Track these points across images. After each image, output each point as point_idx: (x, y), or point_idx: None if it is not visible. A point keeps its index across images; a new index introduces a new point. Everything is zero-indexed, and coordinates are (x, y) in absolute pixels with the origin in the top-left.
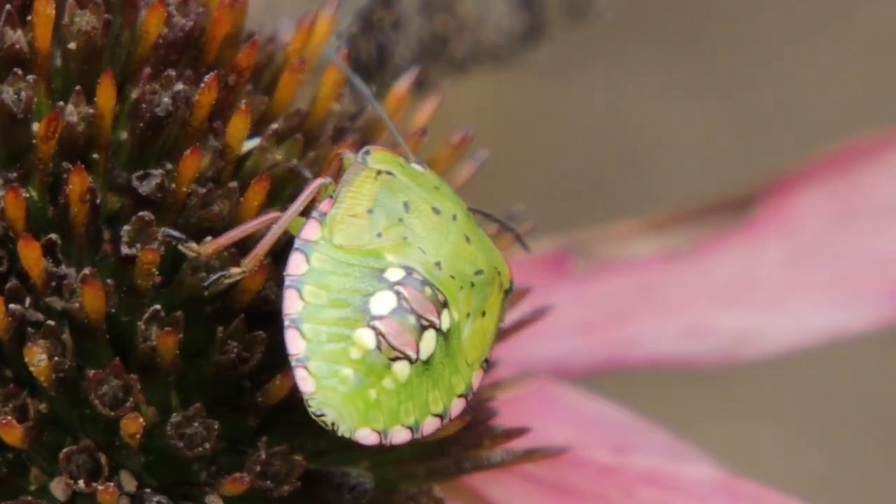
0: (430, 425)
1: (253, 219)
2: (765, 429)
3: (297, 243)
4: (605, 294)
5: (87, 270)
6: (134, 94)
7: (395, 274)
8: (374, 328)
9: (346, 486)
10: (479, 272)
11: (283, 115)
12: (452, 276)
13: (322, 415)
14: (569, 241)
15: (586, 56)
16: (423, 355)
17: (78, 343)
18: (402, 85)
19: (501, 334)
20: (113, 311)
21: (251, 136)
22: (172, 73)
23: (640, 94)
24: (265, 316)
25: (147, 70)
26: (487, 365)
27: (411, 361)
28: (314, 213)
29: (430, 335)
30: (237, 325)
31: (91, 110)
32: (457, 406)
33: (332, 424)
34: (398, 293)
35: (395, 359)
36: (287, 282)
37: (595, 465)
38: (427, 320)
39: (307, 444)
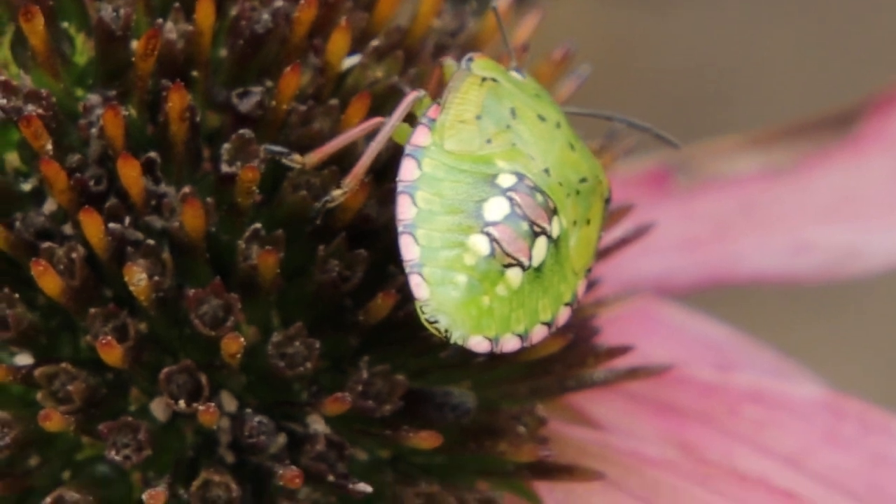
0: (538, 333)
1: (355, 126)
2: (867, 356)
3: (408, 149)
4: (707, 211)
5: (186, 189)
6: (233, 11)
7: (507, 180)
8: (488, 234)
9: (449, 406)
10: (583, 180)
11: (384, 31)
12: (560, 184)
13: (435, 321)
14: (671, 158)
15: None
16: (535, 262)
17: (178, 262)
18: (503, 1)
19: (604, 252)
20: (213, 230)
21: (351, 52)
22: None
23: (733, 19)
24: (366, 234)
25: None
26: (589, 273)
27: (524, 268)
28: (423, 119)
29: (541, 242)
30: (338, 243)
31: (190, 27)
32: (564, 314)
33: (445, 331)
34: (511, 199)
35: (509, 265)
36: (400, 187)
37: (699, 383)
38: (539, 227)
39: (409, 364)
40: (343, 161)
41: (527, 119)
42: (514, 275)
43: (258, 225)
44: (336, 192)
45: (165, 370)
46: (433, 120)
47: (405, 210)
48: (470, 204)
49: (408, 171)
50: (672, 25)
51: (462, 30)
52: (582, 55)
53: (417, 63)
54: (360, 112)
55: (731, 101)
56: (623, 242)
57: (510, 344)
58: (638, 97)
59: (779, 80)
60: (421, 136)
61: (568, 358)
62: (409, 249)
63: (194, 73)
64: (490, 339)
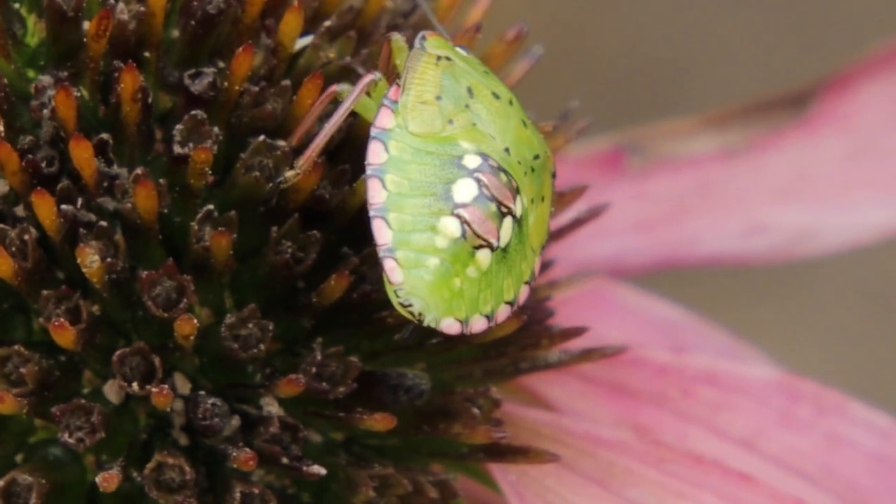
0: (503, 313)
1: (320, 97)
2: (820, 333)
3: (373, 132)
4: (661, 192)
5: (139, 170)
6: None
7: (472, 161)
8: (458, 216)
9: (403, 388)
10: (536, 157)
11: (336, 12)
12: (519, 162)
13: (409, 305)
14: (624, 139)
15: None
16: (503, 243)
17: (130, 244)
18: None
19: (558, 233)
20: (165, 211)
21: (304, 33)
22: None
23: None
24: (320, 215)
25: None
26: (543, 251)
27: (493, 249)
28: (385, 101)
29: (507, 222)
30: (291, 224)
31: (142, 8)
32: (524, 293)
33: (419, 315)
34: (478, 180)
35: (479, 247)
36: (369, 171)
37: (653, 364)
38: (505, 207)
39: (362, 346)
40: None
41: (483, 98)
42: (484, 256)
43: (211, 206)
44: (289, 174)
45: (118, 352)
46: (395, 102)
47: (376, 194)
48: (438, 186)
49: (375, 154)
50: (622, 6)
51: (414, 10)
52: (532, 37)
53: (370, 44)
54: (313, 93)
55: (683, 82)
56: (576, 224)
57: (478, 325)
58: (587, 79)
59: (731, 60)
60: (385, 119)
61: (522, 339)
62: (382, 233)
63: (146, 55)
64: (460, 321)
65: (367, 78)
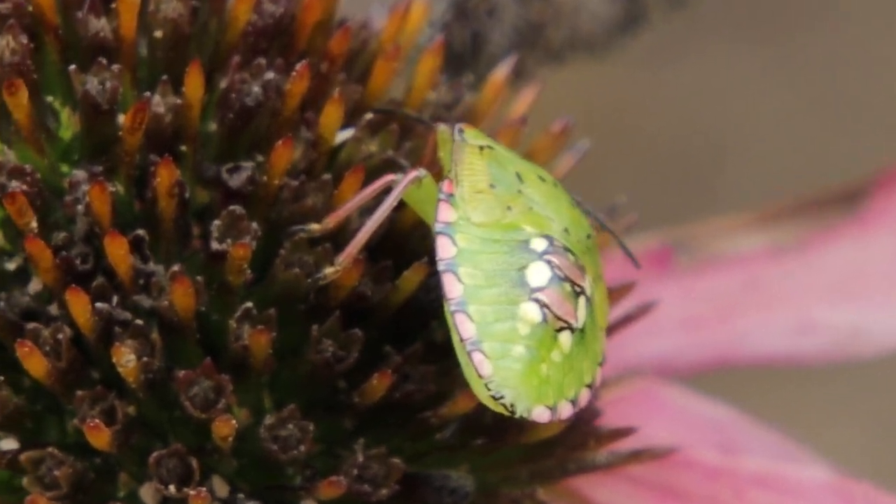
0: (584, 397)
1: (370, 185)
2: (873, 431)
3: (438, 227)
4: (710, 290)
5: (175, 267)
6: (223, 84)
7: (539, 244)
8: (537, 300)
9: (447, 489)
10: (588, 236)
11: (379, 104)
12: (578, 241)
13: (501, 397)
14: (672, 237)
15: (679, 45)
16: (580, 323)
17: (167, 343)
18: (500, 73)
19: (606, 331)
20: (203, 309)
21: (345, 126)
22: (262, 61)
23: (735, 84)
24: (361, 313)
25: (236, 58)
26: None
27: (572, 330)
28: (441, 195)
29: (582, 301)
30: (332, 322)
31: (178, 101)
32: (598, 375)
33: (511, 406)
34: (549, 262)
35: (560, 329)
36: (441, 266)
37: (703, 466)
38: (578, 286)
39: (405, 446)
40: (336, 238)
41: (532, 182)
42: (565, 338)
43: (249, 304)
44: (329, 270)
45: (155, 454)
46: (451, 195)
47: (453, 288)
48: (512, 273)
49: (445, 248)
50: (665, 87)
51: (458, 102)
52: (580, 121)
53: (412, 137)
54: (354, 187)
55: (725, 165)
56: (624, 322)
57: (565, 410)
58: (639, 160)
59: (775, 143)
60: (446, 213)
61: (569, 440)
62: (465, 327)
63: (183, 148)
64: (550, 408)
65: (413, 174)
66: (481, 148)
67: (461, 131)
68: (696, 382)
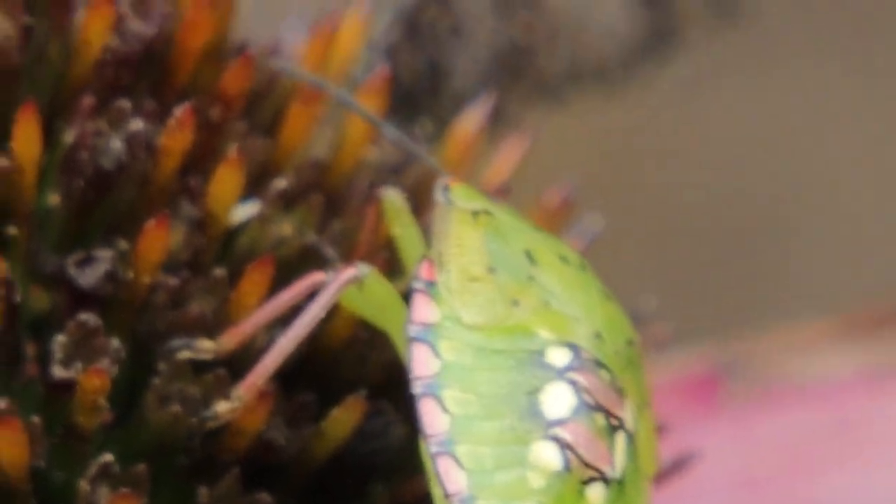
0: None
1: (288, 289)
2: None
3: (412, 331)
4: (774, 434)
5: (1, 404)
6: (68, 137)
7: (559, 356)
8: (555, 439)
9: None
10: (630, 342)
11: (294, 166)
12: (616, 352)
13: None
14: (720, 356)
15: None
16: (618, 471)
17: None
18: (470, 119)
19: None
20: (41, 464)
21: (246, 198)
22: (126, 104)
23: (804, 123)
24: (270, 470)
25: (88, 100)
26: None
27: (606, 482)
28: (417, 284)
29: (620, 439)
30: (228, 483)
31: (5, 162)
32: None
33: None
34: (573, 383)
35: (589, 480)
36: (418, 388)
37: None
38: (615, 417)
39: None
40: (235, 361)
41: (548, 264)
42: (597, 494)
43: (109, 457)
44: (223, 407)
45: None
46: (432, 283)
47: (434, 421)
48: (520, 398)
49: (422, 363)
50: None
51: (409, 163)
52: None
53: (344, 213)
54: (260, 287)
55: (793, 241)
56: (659, 478)
57: None
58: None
59: (866, 202)
60: (425, 310)
61: None
62: (453, 478)
63: (12, 231)
64: None
65: (350, 272)
66: (476, 214)
67: (446, 189)
68: None
